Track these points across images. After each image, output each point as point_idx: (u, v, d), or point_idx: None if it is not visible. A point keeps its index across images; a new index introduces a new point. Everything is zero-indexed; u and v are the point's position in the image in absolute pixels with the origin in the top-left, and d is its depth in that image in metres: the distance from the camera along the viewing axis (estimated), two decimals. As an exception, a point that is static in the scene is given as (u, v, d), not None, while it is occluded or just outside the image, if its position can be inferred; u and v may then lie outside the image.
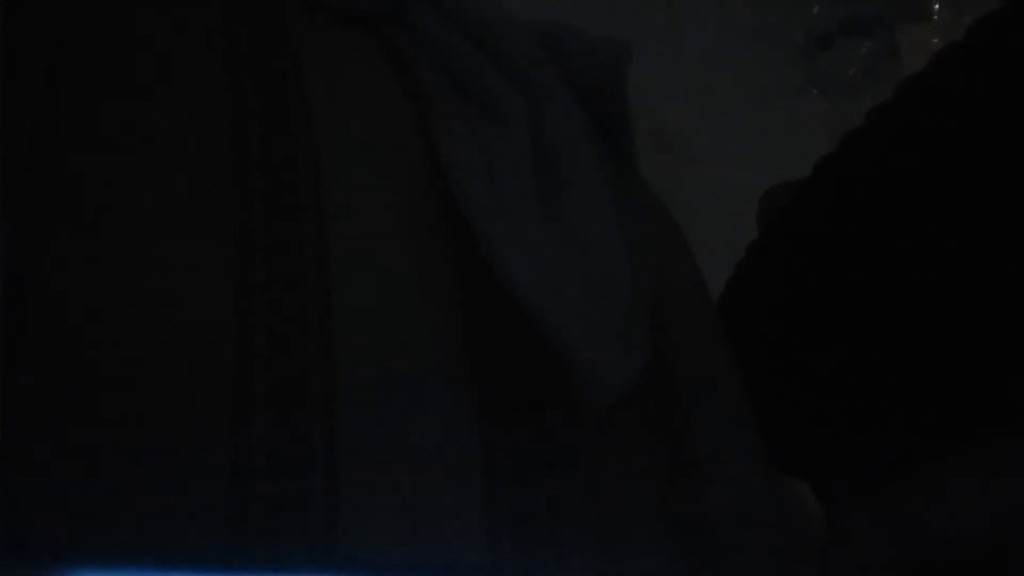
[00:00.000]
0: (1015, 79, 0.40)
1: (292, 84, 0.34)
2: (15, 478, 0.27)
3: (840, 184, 0.45)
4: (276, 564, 0.27)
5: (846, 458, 0.45)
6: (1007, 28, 0.41)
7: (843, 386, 0.44)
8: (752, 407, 0.41)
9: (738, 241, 0.50)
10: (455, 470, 0.31)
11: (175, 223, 0.30)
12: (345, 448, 0.29)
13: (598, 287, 0.35)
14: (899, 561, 0.40)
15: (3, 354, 0.27)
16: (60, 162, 0.30)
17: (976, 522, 0.39)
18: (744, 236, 0.50)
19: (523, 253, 0.33)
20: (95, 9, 0.33)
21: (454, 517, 0.30)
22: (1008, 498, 0.38)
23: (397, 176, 0.35)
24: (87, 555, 0.26)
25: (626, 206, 0.38)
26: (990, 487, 0.39)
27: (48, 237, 0.29)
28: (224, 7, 0.36)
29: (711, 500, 0.36)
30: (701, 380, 0.39)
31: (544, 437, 0.33)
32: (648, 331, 0.36)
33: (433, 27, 0.40)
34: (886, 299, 0.43)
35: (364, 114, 0.36)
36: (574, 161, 0.38)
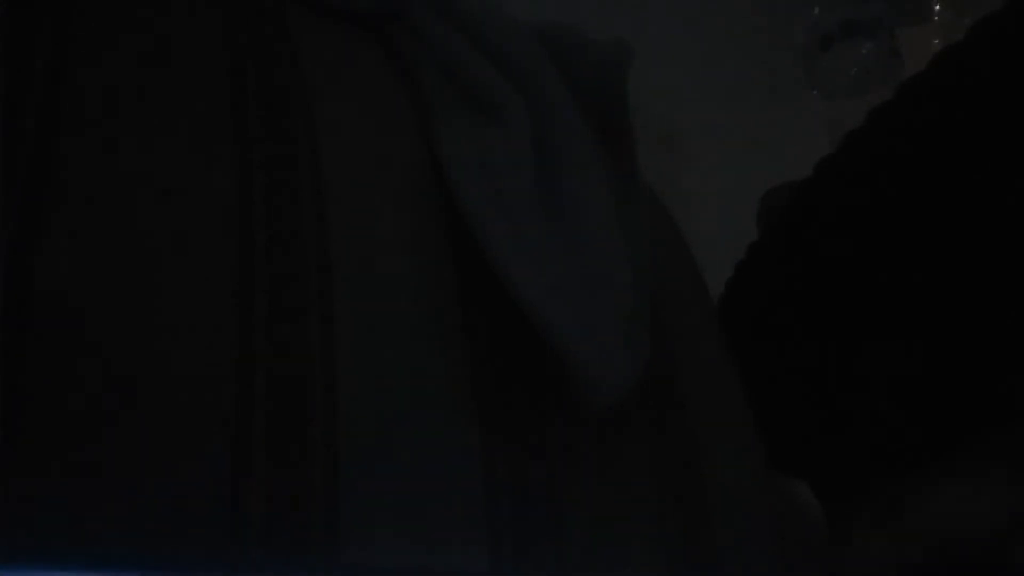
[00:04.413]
0: (1015, 80, 0.40)
1: (293, 84, 0.34)
2: (16, 479, 0.27)
3: (840, 185, 0.45)
4: (276, 570, 0.27)
5: (846, 458, 0.45)
6: (1007, 29, 0.41)
7: (843, 386, 0.44)
8: (752, 407, 0.41)
9: (738, 241, 0.50)
10: (455, 473, 0.31)
11: (175, 224, 0.30)
12: (346, 451, 0.29)
13: (598, 288, 0.35)
14: (899, 563, 0.40)
15: (3, 354, 0.27)
16: (61, 163, 0.30)
17: (976, 523, 0.39)
18: (744, 236, 0.50)
19: (523, 254, 0.33)
20: (95, 11, 0.33)
21: (454, 520, 0.30)
22: (1008, 499, 0.38)
23: (397, 176, 0.35)
24: (88, 556, 0.26)
25: (626, 206, 0.38)
26: (990, 488, 0.39)
27: (48, 237, 0.29)
28: (225, 7, 0.36)
29: (712, 500, 0.36)
30: (701, 380, 0.39)
31: (544, 439, 0.33)
32: (648, 332, 0.36)
33: (433, 27, 0.40)
34: (886, 299, 0.43)
35: (365, 113, 0.36)
36: (574, 161, 0.38)
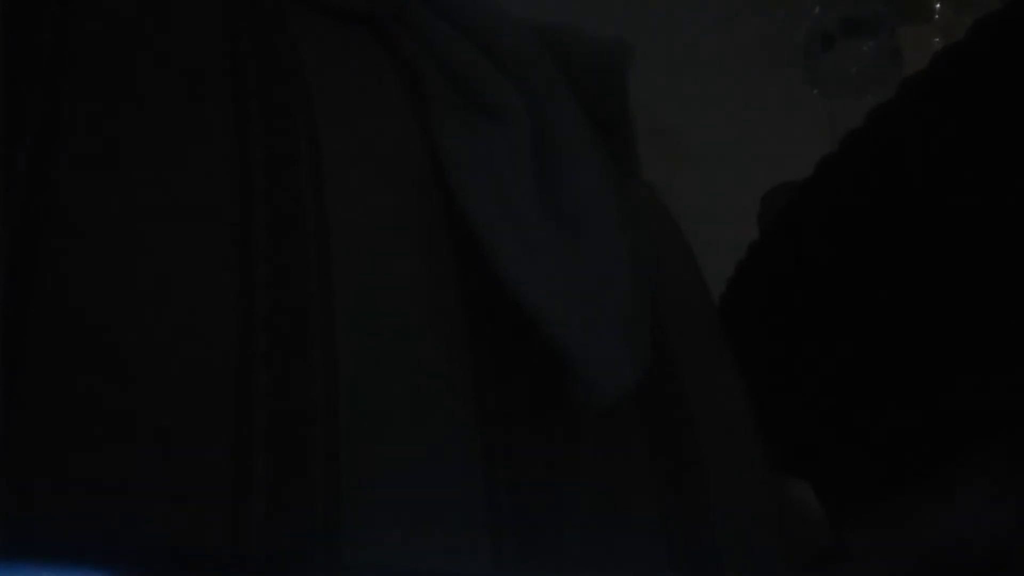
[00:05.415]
0: (1016, 79, 0.40)
1: (294, 84, 0.34)
2: (15, 478, 0.27)
3: (841, 184, 0.45)
4: (276, 570, 0.27)
5: (848, 459, 0.45)
6: (1008, 28, 0.41)
7: (844, 387, 0.44)
8: (754, 407, 0.41)
9: (738, 241, 0.50)
10: (456, 473, 0.31)
11: (176, 224, 0.30)
12: (346, 452, 0.29)
13: (599, 288, 0.35)
14: (897, 571, 0.40)
15: (3, 354, 0.27)
16: (60, 165, 0.30)
17: (976, 533, 0.39)
18: (745, 236, 0.50)
19: (524, 254, 0.33)
20: (96, 11, 0.33)
21: (455, 520, 0.30)
22: (1008, 509, 0.38)
23: (398, 175, 0.35)
24: (86, 555, 0.26)
25: (627, 206, 0.38)
26: (990, 498, 0.39)
27: (48, 241, 0.29)
28: (225, 7, 0.36)
29: (713, 500, 0.36)
30: (702, 380, 0.39)
31: (545, 439, 0.33)
32: (648, 332, 0.36)
33: (433, 27, 0.40)
34: (888, 299, 0.43)
35: (365, 113, 0.36)
36: (574, 161, 0.38)
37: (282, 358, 0.29)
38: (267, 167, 0.32)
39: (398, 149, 0.36)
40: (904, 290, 0.42)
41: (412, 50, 0.39)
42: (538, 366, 0.33)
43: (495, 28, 0.40)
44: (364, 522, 0.29)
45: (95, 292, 0.28)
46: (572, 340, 0.32)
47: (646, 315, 0.36)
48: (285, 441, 0.28)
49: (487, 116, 0.37)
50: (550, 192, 0.36)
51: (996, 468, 0.39)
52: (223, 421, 0.28)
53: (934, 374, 0.41)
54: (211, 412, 0.28)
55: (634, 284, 0.36)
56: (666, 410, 0.37)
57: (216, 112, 0.33)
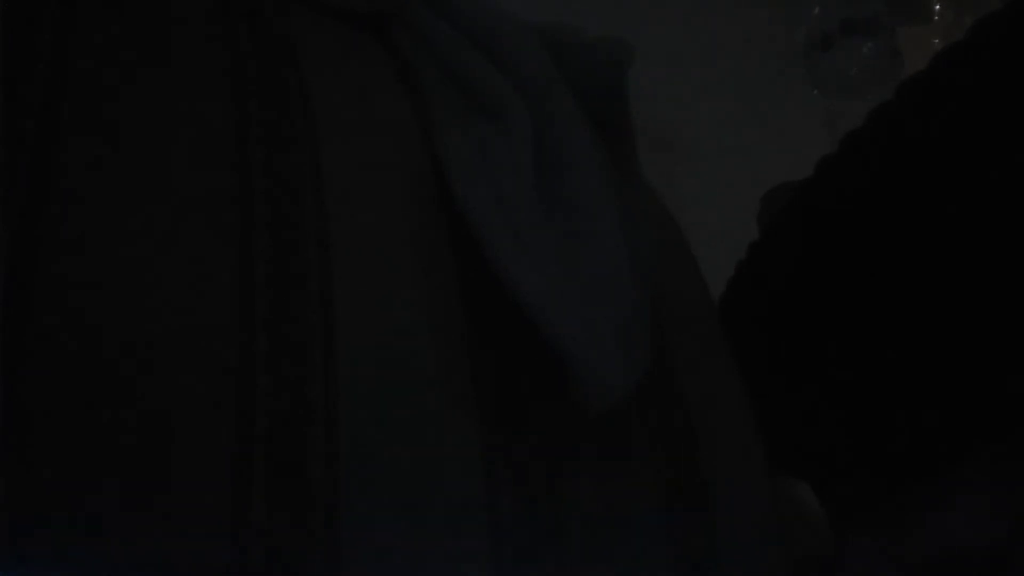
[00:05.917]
0: (1015, 79, 0.40)
1: (294, 85, 0.34)
2: (16, 479, 0.27)
3: (841, 184, 0.45)
4: (276, 573, 0.27)
5: (848, 461, 0.45)
6: (1008, 28, 0.41)
7: (844, 387, 0.44)
8: (755, 408, 0.41)
9: (738, 241, 0.50)
10: (456, 473, 0.31)
11: (176, 225, 0.30)
12: (346, 454, 0.29)
13: (599, 289, 0.35)
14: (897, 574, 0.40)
15: (4, 355, 0.27)
16: (61, 166, 0.30)
17: (975, 538, 0.39)
18: (745, 236, 0.50)
19: (524, 254, 0.33)
20: (96, 12, 0.33)
21: (456, 521, 0.30)
22: (1007, 514, 0.38)
23: (398, 176, 0.35)
24: (86, 557, 0.26)
25: (627, 207, 0.38)
26: (989, 503, 0.39)
27: (48, 242, 0.29)
28: (225, 7, 0.36)
29: (713, 501, 0.36)
30: (703, 381, 0.39)
31: (545, 441, 0.33)
32: (648, 332, 0.36)
33: (434, 27, 0.40)
34: (888, 299, 0.43)
35: (365, 114, 0.36)
36: (575, 162, 0.38)
37: (282, 359, 0.29)
38: (266, 167, 0.32)
39: (398, 149, 0.36)
40: (905, 290, 0.42)
41: (412, 50, 0.39)
42: (538, 366, 0.33)
43: (495, 28, 0.40)
44: (364, 523, 0.29)
45: (95, 293, 0.28)
46: (572, 340, 0.32)
47: (646, 315, 0.36)
48: (285, 441, 0.28)
49: (487, 116, 0.37)
50: (550, 192, 0.36)
51: (995, 472, 0.39)
52: (223, 422, 0.28)
53: (933, 375, 0.41)
54: (211, 413, 0.28)
55: (634, 284, 0.36)
56: (666, 410, 0.37)
57: (216, 113, 0.33)
